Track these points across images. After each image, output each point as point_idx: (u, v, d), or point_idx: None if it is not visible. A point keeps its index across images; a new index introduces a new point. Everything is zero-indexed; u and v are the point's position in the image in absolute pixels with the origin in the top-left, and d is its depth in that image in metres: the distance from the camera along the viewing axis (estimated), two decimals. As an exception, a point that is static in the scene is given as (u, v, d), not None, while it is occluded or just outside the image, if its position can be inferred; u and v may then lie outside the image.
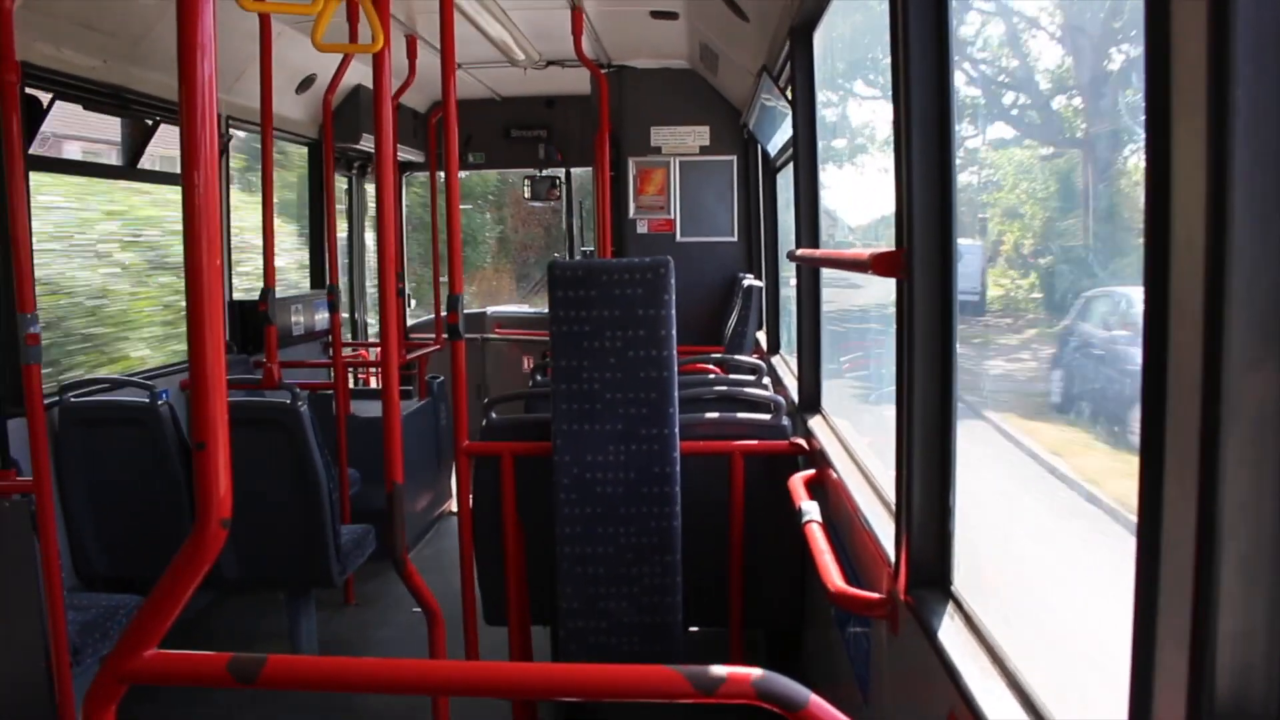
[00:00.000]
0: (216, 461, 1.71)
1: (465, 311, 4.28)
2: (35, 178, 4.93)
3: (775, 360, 6.37)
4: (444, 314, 4.45)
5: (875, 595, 2.57)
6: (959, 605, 2.18)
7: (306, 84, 7.11)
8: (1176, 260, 1.08)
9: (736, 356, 6.06)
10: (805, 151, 4.37)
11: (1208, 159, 1.00)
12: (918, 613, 2.21)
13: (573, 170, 9.62)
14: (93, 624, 4.14)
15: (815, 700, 1.55)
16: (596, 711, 4.66)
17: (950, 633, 2.07)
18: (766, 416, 4.30)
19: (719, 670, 1.59)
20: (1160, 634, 1.11)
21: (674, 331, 3.98)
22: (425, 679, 1.83)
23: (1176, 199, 1.07)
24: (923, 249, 2.24)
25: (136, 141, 5.88)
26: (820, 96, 4.41)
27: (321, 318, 7.68)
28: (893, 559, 2.45)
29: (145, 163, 5.97)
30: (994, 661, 1.92)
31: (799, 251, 4.25)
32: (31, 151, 4.76)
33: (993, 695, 1.80)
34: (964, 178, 3.16)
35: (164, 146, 5.86)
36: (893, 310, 2.44)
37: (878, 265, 2.37)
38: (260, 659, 1.71)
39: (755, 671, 1.59)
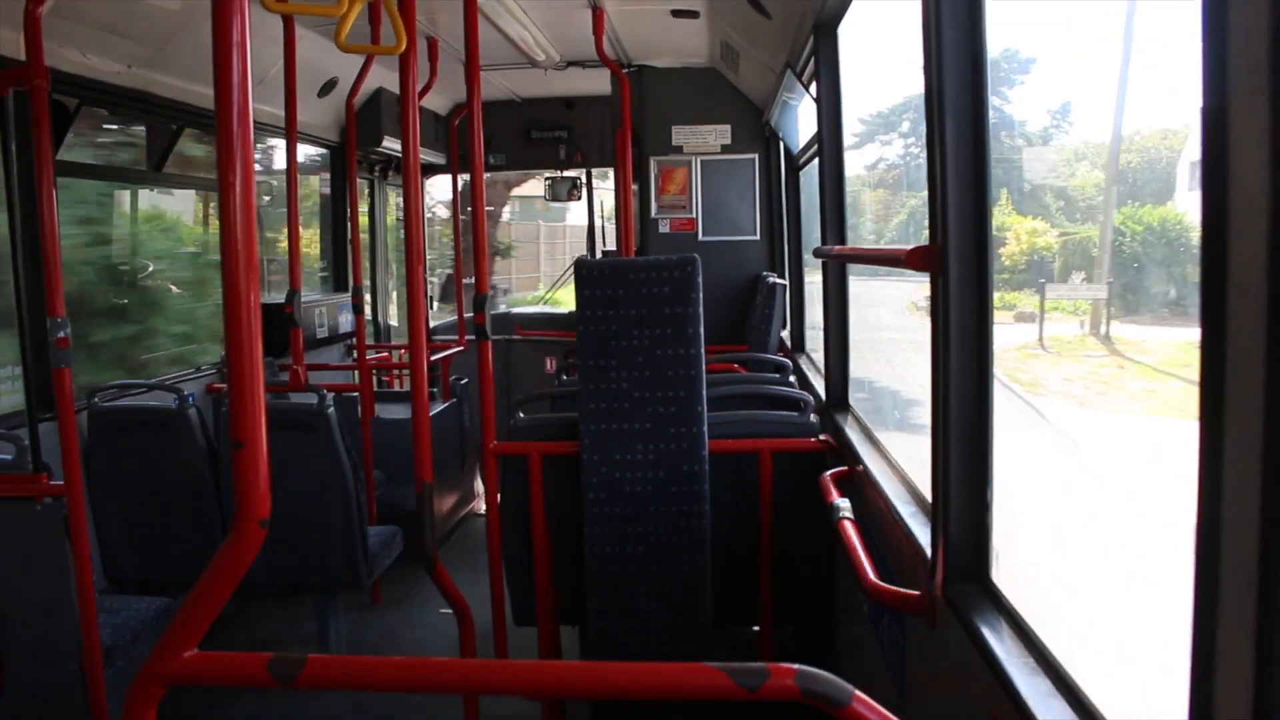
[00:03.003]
0: (255, 461, 1.71)
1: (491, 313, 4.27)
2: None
3: (800, 358, 6.34)
4: (468, 315, 4.45)
5: (911, 591, 2.55)
6: (998, 600, 2.16)
7: (328, 88, 7.13)
8: (1235, 233, 1.05)
9: (761, 355, 6.03)
10: (831, 147, 4.35)
11: (1270, 127, 0.98)
12: (956, 608, 2.19)
13: (593, 171, 9.62)
14: (124, 626, 4.16)
15: (859, 696, 1.54)
16: (626, 712, 4.65)
17: (991, 628, 2.05)
18: (794, 414, 4.27)
19: (761, 667, 1.57)
20: (1222, 622, 1.09)
21: (701, 329, 3.96)
22: (462, 678, 1.82)
23: (1234, 167, 1.05)
24: (958, 242, 2.22)
25: (161, 146, 5.92)
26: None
27: (345, 319, 7.69)
28: (929, 554, 2.43)
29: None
30: (1038, 658, 1.90)
31: (825, 248, 4.23)
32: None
33: (1039, 692, 1.78)
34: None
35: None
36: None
37: (912, 260, 2.35)
38: (300, 659, 1.70)
39: (798, 668, 1.57)
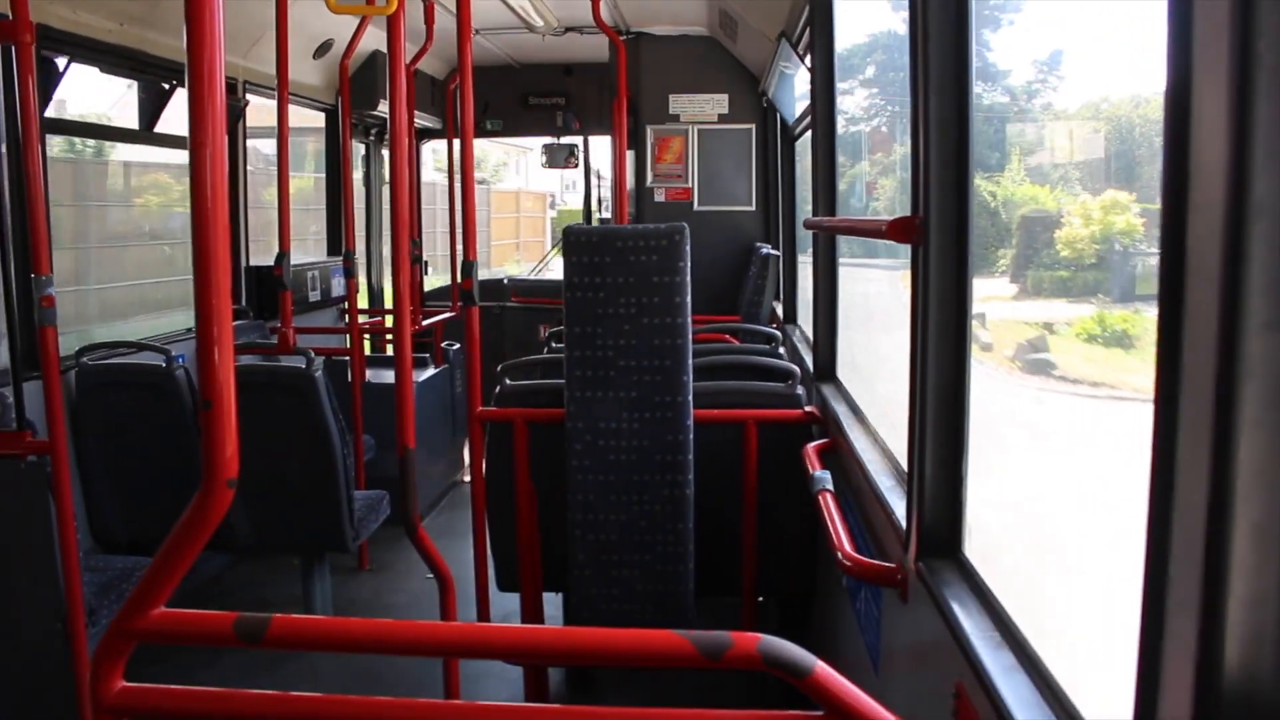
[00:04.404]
0: (223, 421, 1.70)
1: (482, 279, 4.26)
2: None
3: (791, 330, 6.34)
4: (459, 280, 4.44)
5: (885, 564, 2.56)
6: (969, 574, 2.17)
7: (323, 49, 7.07)
8: (1194, 216, 1.05)
9: (752, 325, 6.03)
10: (823, 118, 4.32)
11: (1229, 110, 0.97)
12: (927, 582, 2.19)
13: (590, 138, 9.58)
14: (108, 585, 4.18)
15: (821, 667, 1.54)
16: (605, 676, 4.68)
17: (959, 602, 2.05)
18: (781, 385, 4.27)
19: (724, 636, 1.58)
20: (1170, 600, 1.09)
21: (689, 299, 3.95)
22: (433, 640, 1.83)
23: (1195, 152, 1.04)
24: (939, 214, 2.21)
25: (153, 104, 5.88)
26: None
27: (338, 283, 7.68)
28: (904, 528, 2.44)
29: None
30: (1003, 632, 1.90)
31: (815, 219, 4.22)
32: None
33: (1001, 665, 1.79)
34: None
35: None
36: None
37: (893, 231, 2.34)
38: (266, 619, 1.71)
39: (761, 637, 1.58)
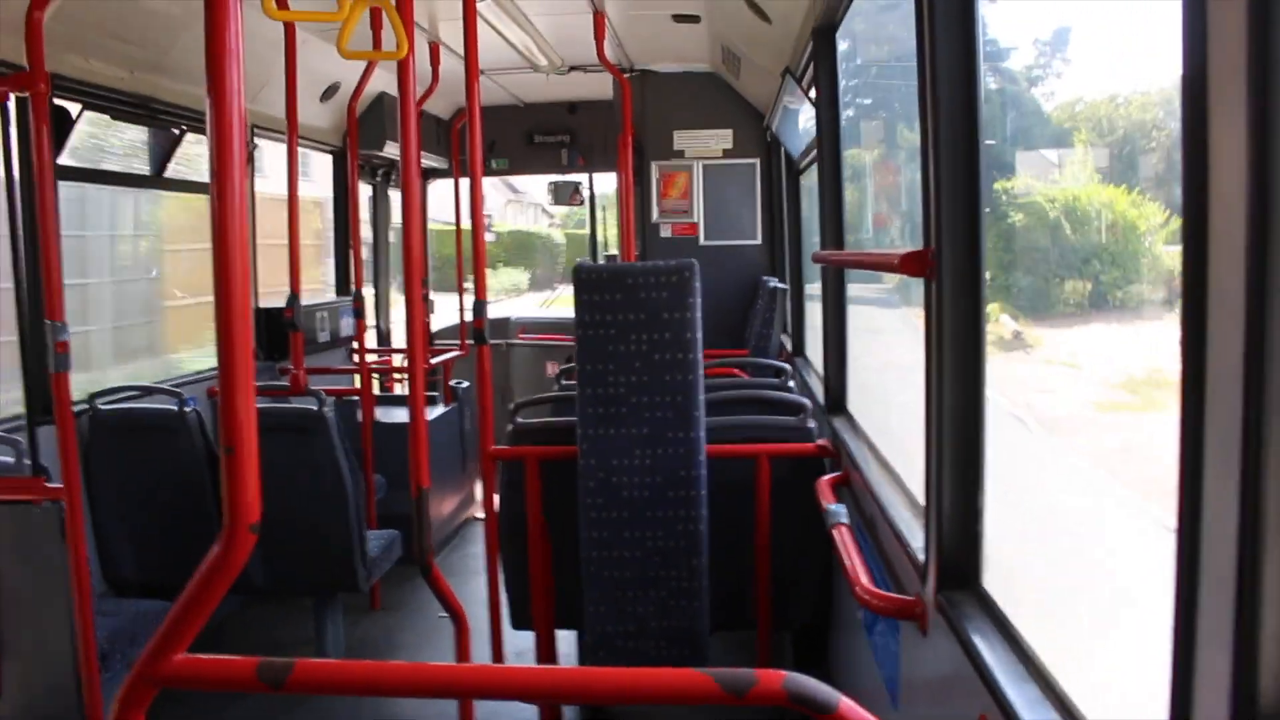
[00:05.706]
0: (245, 466, 1.71)
1: (489, 317, 4.28)
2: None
3: (800, 362, 6.34)
4: (468, 320, 4.45)
5: (904, 597, 2.55)
6: (990, 607, 2.16)
7: (330, 92, 7.14)
8: (1216, 246, 1.05)
9: (761, 359, 6.04)
10: (829, 152, 4.35)
11: (1248, 138, 0.98)
12: (948, 615, 2.18)
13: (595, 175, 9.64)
14: (121, 630, 4.17)
15: (846, 702, 1.53)
16: (622, 715, 4.65)
17: (981, 635, 2.04)
18: (793, 419, 4.27)
19: (748, 673, 1.57)
20: (1201, 633, 1.09)
21: (700, 334, 3.96)
22: (453, 682, 1.82)
23: (1215, 182, 1.05)
24: (951, 248, 2.22)
25: (163, 150, 5.93)
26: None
27: (347, 323, 7.71)
28: (922, 560, 2.43)
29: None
30: (1027, 665, 1.89)
31: (823, 252, 4.23)
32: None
33: (1026, 699, 1.77)
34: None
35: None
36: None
37: (905, 265, 2.35)
38: (289, 663, 1.70)
39: (785, 674, 1.57)
